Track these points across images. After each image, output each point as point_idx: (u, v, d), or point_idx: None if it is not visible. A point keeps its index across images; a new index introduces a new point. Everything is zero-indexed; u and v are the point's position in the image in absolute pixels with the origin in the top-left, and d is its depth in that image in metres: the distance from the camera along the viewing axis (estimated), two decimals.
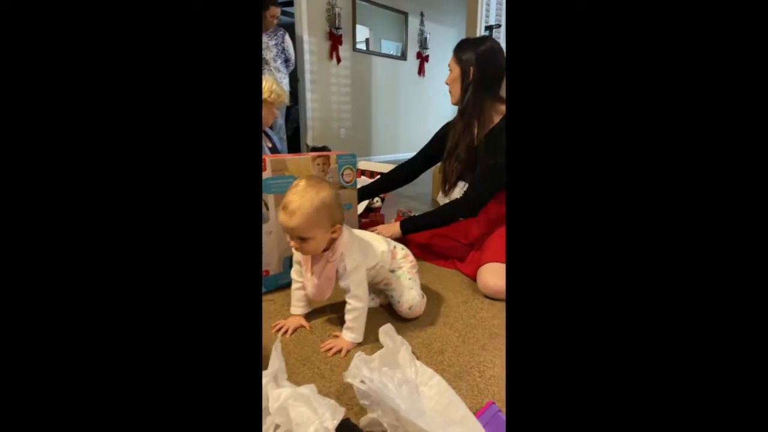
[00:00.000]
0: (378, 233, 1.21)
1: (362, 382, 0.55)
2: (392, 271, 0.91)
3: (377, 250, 0.88)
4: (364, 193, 1.40)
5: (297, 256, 0.85)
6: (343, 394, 0.67)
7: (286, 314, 0.92)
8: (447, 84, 1.21)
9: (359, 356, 0.58)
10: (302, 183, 0.76)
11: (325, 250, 0.80)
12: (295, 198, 0.74)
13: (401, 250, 0.94)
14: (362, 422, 0.58)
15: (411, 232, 1.22)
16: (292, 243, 0.77)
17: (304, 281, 0.85)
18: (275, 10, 2.63)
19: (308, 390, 0.47)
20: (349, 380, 0.57)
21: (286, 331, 0.86)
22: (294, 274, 0.89)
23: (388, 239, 0.94)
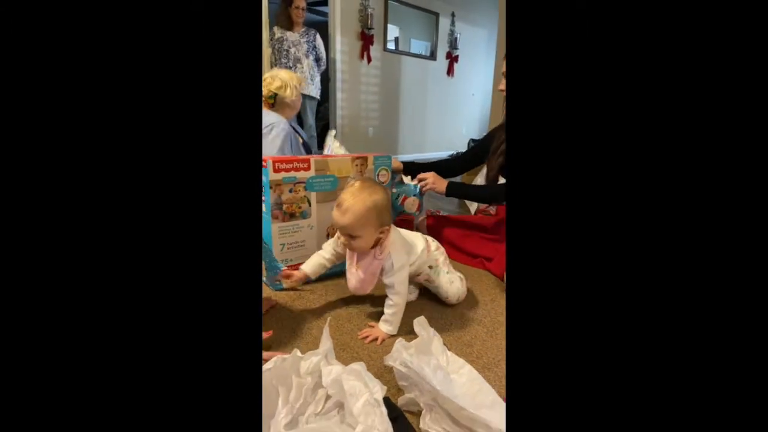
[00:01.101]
0: (425, 183, 1.29)
1: (402, 364, 0.61)
2: (431, 267, 0.98)
3: (418, 249, 0.94)
4: (409, 169, 1.48)
5: (341, 239, 0.90)
6: (380, 378, 0.73)
7: (324, 304, 1.00)
8: (502, 90, 1.26)
9: (400, 341, 0.64)
10: (357, 184, 0.83)
11: (373, 247, 0.85)
12: (348, 198, 0.80)
13: (433, 242, 1.01)
14: (400, 402, 0.64)
15: (454, 195, 1.32)
16: (343, 239, 0.84)
17: (346, 273, 0.92)
18: (300, 1, 2.70)
19: (359, 366, 0.54)
20: (390, 363, 0.63)
21: (293, 280, 0.96)
22: (327, 245, 0.96)
23: (425, 236, 1.01)
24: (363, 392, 0.50)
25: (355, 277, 0.88)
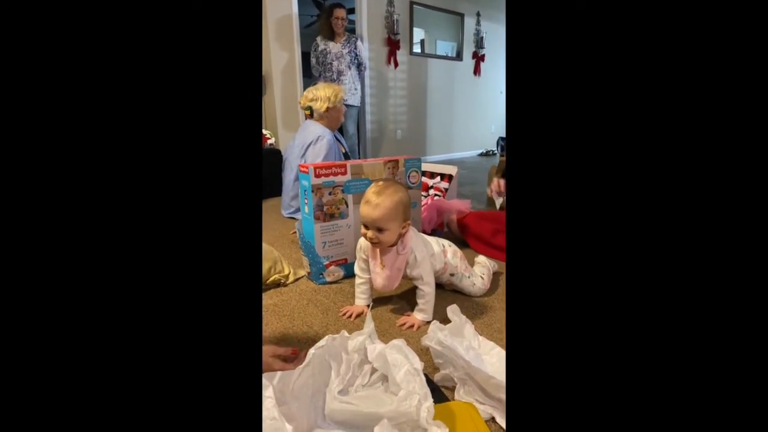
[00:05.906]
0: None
1: (438, 343, 0.69)
2: (452, 275, 1.06)
3: (433, 249, 1.02)
4: None
5: (362, 254, 1.00)
6: None
7: None
8: None
9: (435, 323, 0.72)
10: (381, 183, 0.92)
11: (394, 245, 0.93)
12: (376, 195, 0.89)
13: (449, 247, 1.07)
14: (436, 378, 0.72)
15: None
16: (370, 233, 0.91)
17: (371, 276, 0.99)
18: (340, 12, 2.81)
19: (400, 342, 0.62)
20: (427, 343, 0.71)
21: (356, 315, 1.00)
22: (357, 270, 1.02)
23: (441, 240, 1.08)
24: (404, 363, 0.58)
25: (380, 276, 0.96)
